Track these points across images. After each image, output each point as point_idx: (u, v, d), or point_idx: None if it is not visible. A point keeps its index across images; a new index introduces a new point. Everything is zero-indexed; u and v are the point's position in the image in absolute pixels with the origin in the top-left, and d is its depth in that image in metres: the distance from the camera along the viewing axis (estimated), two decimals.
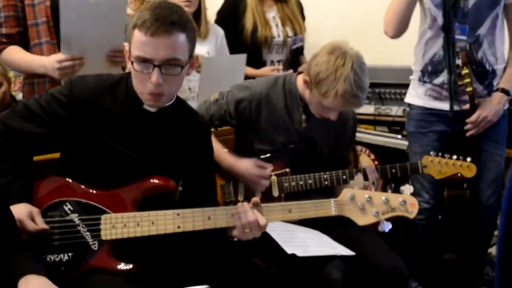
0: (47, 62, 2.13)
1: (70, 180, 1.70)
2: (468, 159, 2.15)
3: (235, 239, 1.72)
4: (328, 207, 1.75)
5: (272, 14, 3.05)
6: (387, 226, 1.77)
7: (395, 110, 3.39)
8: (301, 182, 2.12)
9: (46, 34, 2.19)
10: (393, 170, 2.14)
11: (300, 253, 1.81)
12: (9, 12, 2.20)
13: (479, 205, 2.54)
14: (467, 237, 2.63)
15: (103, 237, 1.64)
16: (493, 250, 2.94)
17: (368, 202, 1.74)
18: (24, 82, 2.35)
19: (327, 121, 2.11)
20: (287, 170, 2.15)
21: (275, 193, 2.14)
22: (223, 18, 3.09)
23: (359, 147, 3.17)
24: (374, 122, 3.47)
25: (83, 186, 1.69)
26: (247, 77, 2.74)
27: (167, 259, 1.75)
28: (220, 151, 2.10)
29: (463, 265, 2.68)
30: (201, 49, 2.81)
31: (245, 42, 2.95)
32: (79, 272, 1.62)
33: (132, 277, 1.62)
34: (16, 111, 1.72)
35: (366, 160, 3.12)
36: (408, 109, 2.65)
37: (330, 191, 2.12)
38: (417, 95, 2.56)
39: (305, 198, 1.88)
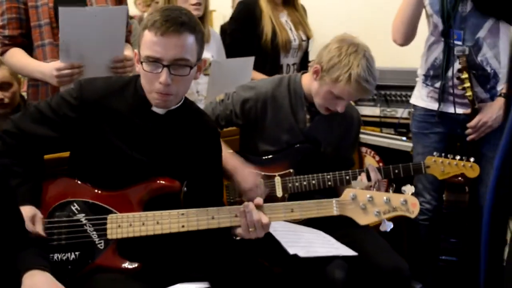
0: (45, 68, 2.14)
1: (78, 181, 1.74)
2: (472, 159, 2.16)
3: (238, 238, 1.75)
4: (330, 207, 1.77)
5: (284, 18, 3.07)
6: (388, 226, 1.79)
7: (401, 112, 3.42)
8: (304, 183, 2.14)
9: (49, 35, 2.21)
10: (396, 171, 2.15)
11: (302, 254, 1.83)
12: (11, 14, 2.21)
13: (479, 209, 2.54)
14: (468, 240, 2.64)
15: (109, 236, 1.67)
16: None
17: (369, 202, 1.76)
18: (28, 84, 2.38)
19: (331, 121, 2.13)
20: (291, 170, 2.17)
21: (279, 193, 2.16)
22: (237, 23, 3.11)
23: (364, 149, 3.19)
24: (380, 124, 3.49)
25: (90, 187, 1.73)
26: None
27: (171, 257, 1.78)
28: (225, 153, 2.10)
29: (464, 268, 2.68)
30: (206, 53, 2.84)
31: (265, 47, 2.97)
32: (85, 270, 1.65)
33: (138, 275, 1.65)
34: (27, 114, 1.76)
35: (371, 161, 3.14)
36: (413, 110, 2.67)
37: (334, 192, 2.14)
38: (420, 97, 2.58)
39: (309, 198, 1.89)
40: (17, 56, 2.23)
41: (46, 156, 1.82)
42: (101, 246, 1.67)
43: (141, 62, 1.64)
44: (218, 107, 2.22)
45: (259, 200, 1.73)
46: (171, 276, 1.68)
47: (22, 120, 1.74)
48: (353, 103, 3.13)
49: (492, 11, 2.33)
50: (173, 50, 1.60)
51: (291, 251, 1.82)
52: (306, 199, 1.85)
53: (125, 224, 1.67)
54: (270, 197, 2.14)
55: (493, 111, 2.38)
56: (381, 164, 3.07)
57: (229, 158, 2.11)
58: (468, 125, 2.40)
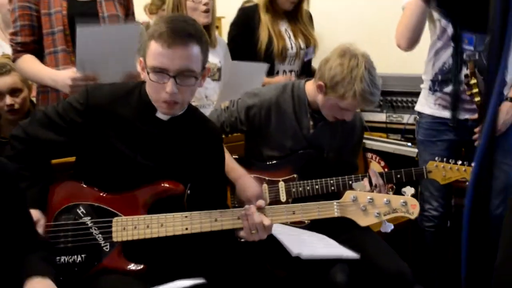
0: (58, 76, 2.16)
1: (83, 185, 1.78)
2: (473, 164, 2.17)
3: (243, 240, 1.78)
4: (331, 209, 1.80)
5: (284, 26, 3.10)
6: (389, 227, 1.82)
7: (407, 118, 3.42)
8: (308, 188, 2.17)
9: (62, 42, 2.25)
10: (398, 176, 2.18)
11: (305, 255, 1.85)
12: (24, 22, 2.25)
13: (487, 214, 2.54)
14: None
15: (115, 239, 1.71)
16: None
17: (369, 204, 1.79)
18: (38, 90, 2.41)
19: (334, 127, 2.16)
20: (295, 175, 2.20)
21: (283, 198, 2.19)
22: (237, 29, 3.14)
23: (369, 154, 3.21)
24: (386, 130, 3.50)
25: (95, 190, 1.77)
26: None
27: (176, 259, 1.81)
28: (230, 161, 2.13)
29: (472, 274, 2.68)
30: (214, 59, 2.87)
31: (259, 54, 3.00)
32: (91, 272, 1.69)
33: (143, 277, 1.68)
34: (35, 119, 1.80)
35: (376, 167, 3.16)
36: (418, 117, 2.68)
37: (338, 197, 2.15)
38: (427, 104, 2.58)
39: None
40: (28, 63, 2.27)
41: (52, 161, 1.86)
42: (106, 248, 1.71)
43: (148, 72, 1.66)
44: (223, 114, 2.25)
45: (261, 202, 1.76)
46: (175, 278, 1.71)
47: (30, 125, 1.78)
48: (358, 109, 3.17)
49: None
50: (179, 61, 1.63)
51: (295, 251, 1.84)
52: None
53: (130, 227, 1.71)
54: (274, 202, 2.16)
55: (500, 116, 2.39)
56: (386, 169, 3.09)
57: (233, 167, 2.14)
58: (476, 130, 2.41)
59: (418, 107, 2.65)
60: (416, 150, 2.84)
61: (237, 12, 3.20)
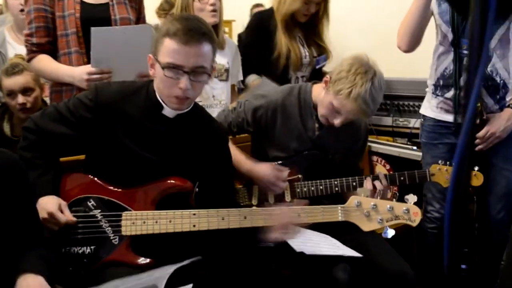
0: (75, 72, 2.24)
1: (94, 178, 1.83)
2: (476, 168, 2.20)
3: (263, 245, 1.84)
4: (335, 213, 1.84)
5: (298, 34, 3.13)
6: (390, 233, 1.86)
7: (413, 122, 3.45)
8: (312, 188, 2.21)
9: (75, 44, 2.31)
10: (402, 178, 2.20)
11: (308, 251, 1.89)
12: (39, 23, 2.32)
13: (489, 219, 2.57)
14: (478, 250, 2.67)
15: (124, 233, 1.76)
16: None
17: (373, 210, 1.84)
18: (51, 89, 2.48)
19: (339, 130, 2.20)
20: (299, 176, 2.24)
21: (288, 198, 2.22)
22: (253, 33, 3.19)
23: (375, 158, 3.25)
24: (392, 133, 3.53)
25: (106, 184, 1.82)
26: None
27: (183, 255, 1.85)
28: (239, 156, 2.19)
29: (475, 278, 2.71)
30: (222, 59, 2.92)
31: (277, 62, 3.04)
32: (100, 264, 1.74)
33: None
34: (46, 113, 1.87)
35: (381, 170, 3.19)
36: (422, 120, 2.71)
37: (341, 197, 2.20)
38: (430, 107, 2.62)
39: (317, 203, 1.97)
40: (45, 62, 2.34)
41: (62, 159, 1.92)
42: (115, 241, 1.76)
43: (163, 68, 1.72)
44: (231, 114, 2.30)
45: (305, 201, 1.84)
46: (181, 273, 1.76)
47: (41, 118, 1.85)
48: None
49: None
50: (194, 58, 1.71)
51: (298, 249, 1.88)
52: (314, 204, 1.93)
53: (139, 222, 1.76)
54: (279, 202, 2.20)
55: (501, 122, 2.41)
56: (391, 173, 3.11)
57: (243, 162, 2.19)
58: (477, 135, 2.42)
59: (422, 110, 2.69)
60: (421, 154, 2.87)
61: (252, 16, 3.23)
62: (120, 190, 1.81)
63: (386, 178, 2.19)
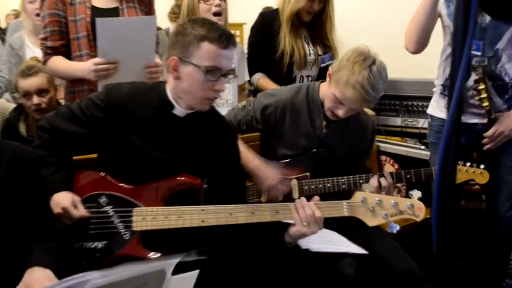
0: (84, 65, 2.32)
1: (106, 175, 1.89)
2: (482, 166, 2.23)
3: (291, 246, 1.87)
4: (340, 208, 1.87)
5: (304, 33, 3.17)
6: (394, 228, 1.88)
7: (422, 122, 3.48)
8: (320, 186, 2.25)
9: (86, 46, 2.39)
10: (408, 176, 2.23)
11: (314, 249, 1.92)
12: (54, 27, 2.41)
13: (497, 217, 2.59)
14: (487, 248, 2.68)
15: (134, 228, 1.81)
16: None
17: (378, 205, 1.86)
18: (66, 90, 2.56)
19: (347, 128, 2.23)
20: (307, 174, 2.28)
21: (295, 195, 2.26)
22: (257, 34, 3.22)
23: (383, 157, 3.27)
24: (401, 134, 3.55)
25: (117, 181, 1.87)
26: None
27: (190, 249, 1.90)
28: (247, 154, 2.22)
29: (483, 275, 2.73)
30: None
31: (281, 61, 3.07)
32: (112, 258, 1.79)
33: None
34: (60, 112, 1.94)
35: (389, 169, 3.22)
36: (429, 119, 2.73)
37: (349, 195, 2.23)
38: (437, 107, 2.64)
39: (324, 201, 2.00)
40: (58, 62, 2.43)
41: (75, 158, 1.98)
42: (126, 236, 1.81)
43: (205, 71, 1.77)
44: (240, 112, 2.35)
45: (317, 197, 1.86)
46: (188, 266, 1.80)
47: (55, 118, 1.92)
48: (372, 112, 3.23)
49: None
50: (229, 62, 1.82)
51: (303, 246, 1.92)
52: (320, 201, 1.95)
53: (149, 217, 1.81)
54: (287, 199, 2.23)
55: (509, 121, 2.43)
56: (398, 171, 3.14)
57: (251, 159, 2.22)
58: (485, 134, 2.45)
59: (429, 110, 2.71)
60: (429, 153, 2.89)
61: (257, 16, 3.28)
62: (131, 187, 1.86)
63: (391, 175, 2.22)
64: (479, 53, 2.43)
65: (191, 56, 1.79)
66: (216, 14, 2.86)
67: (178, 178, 1.87)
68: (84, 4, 2.41)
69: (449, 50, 2.54)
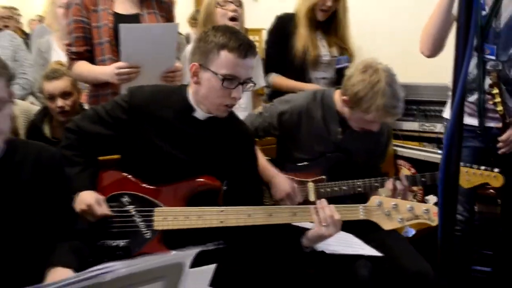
0: (107, 69, 2.39)
1: (128, 176, 1.95)
2: (496, 169, 2.24)
3: (308, 250, 1.91)
4: (356, 212, 1.91)
5: (319, 36, 3.21)
6: (410, 232, 1.91)
7: (439, 127, 3.48)
8: (336, 189, 2.28)
9: (109, 51, 2.46)
10: (423, 179, 2.25)
11: (329, 250, 1.96)
12: (78, 33, 2.48)
13: None
14: (502, 251, 2.69)
15: (156, 227, 1.87)
16: None
17: (394, 209, 1.89)
18: (89, 94, 2.64)
19: (362, 133, 2.27)
20: (323, 177, 2.32)
21: (312, 198, 2.30)
22: (273, 36, 3.26)
23: (400, 161, 3.29)
24: (418, 138, 3.56)
25: (140, 181, 1.94)
26: (290, 90, 2.91)
27: (211, 250, 1.94)
28: (262, 162, 2.25)
29: (498, 279, 2.73)
30: None
31: (294, 61, 3.10)
32: (133, 256, 1.84)
33: None
34: (86, 115, 2.02)
35: (406, 173, 3.23)
36: (445, 123, 2.74)
37: (364, 198, 2.26)
38: None
39: (340, 203, 2.03)
40: (82, 66, 2.50)
41: (100, 158, 2.04)
42: (148, 235, 1.87)
43: (222, 79, 1.83)
44: (257, 119, 2.40)
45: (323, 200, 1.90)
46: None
47: (81, 120, 2.00)
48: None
49: None
50: (247, 71, 1.86)
51: (319, 247, 1.96)
52: (337, 204, 1.99)
53: (170, 217, 1.87)
54: (303, 202, 2.27)
55: None
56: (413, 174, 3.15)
57: (266, 167, 2.27)
58: (499, 139, 2.46)
59: (445, 114, 2.72)
60: None
61: (273, 20, 3.33)
62: (152, 187, 1.92)
63: (407, 179, 2.24)
64: (493, 58, 2.45)
65: (211, 63, 1.84)
66: (232, 19, 2.91)
67: (199, 179, 1.92)
68: (107, 10, 2.48)
69: None
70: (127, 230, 1.87)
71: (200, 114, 1.94)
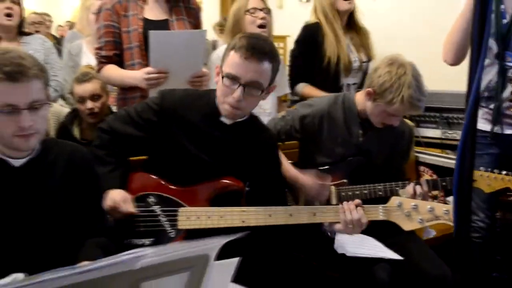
0: (137, 73, 2.46)
1: (154, 177, 2.01)
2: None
3: (329, 235, 1.96)
4: (376, 212, 1.94)
5: (347, 41, 3.25)
6: (431, 233, 1.92)
7: None
8: (357, 192, 2.31)
9: (138, 56, 2.53)
10: (444, 183, 2.27)
11: (349, 252, 2.00)
12: (108, 38, 2.56)
13: None
14: None
15: (180, 227, 1.93)
16: None
17: (414, 210, 1.91)
18: (118, 97, 2.72)
19: (383, 136, 2.30)
20: (345, 181, 2.35)
21: (334, 201, 2.33)
22: (302, 46, 3.31)
23: (421, 168, 3.30)
24: (441, 146, 3.56)
25: (165, 182, 1.99)
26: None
27: (234, 249, 1.98)
28: (284, 162, 2.31)
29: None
30: None
31: (327, 69, 3.16)
32: None
33: None
34: (118, 116, 2.10)
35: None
36: None
37: (385, 201, 2.29)
38: None
39: None
40: (111, 70, 2.58)
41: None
42: (172, 235, 1.93)
43: (222, 77, 1.90)
44: (280, 122, 2.45)
45: (358, 201, 1.94)
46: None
47: (114, 121, 2.07)
48: (412, 123, 3.27)
49: None
50: (251, 73, 1.87)
51: (339, 250, 1.99)
52: None
53: (193, 217, 1.92)
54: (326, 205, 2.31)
55: None
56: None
57: (289, 168, 2.32)
58: None
59: None
60: None
61: (301, 29, 3.37)
62: (177, 188, 1.98)
63: (427, 183, 2.26)
64: None
65: (224, 63, 1.92)
66: (260, 26, 2.95)
67: (223, 180, 1.98)
68: (137, 16, 2.55)
69: (486, 61, 2.56)
70: (152, 229, 1.93)
71: (225, 118, 1.99)
